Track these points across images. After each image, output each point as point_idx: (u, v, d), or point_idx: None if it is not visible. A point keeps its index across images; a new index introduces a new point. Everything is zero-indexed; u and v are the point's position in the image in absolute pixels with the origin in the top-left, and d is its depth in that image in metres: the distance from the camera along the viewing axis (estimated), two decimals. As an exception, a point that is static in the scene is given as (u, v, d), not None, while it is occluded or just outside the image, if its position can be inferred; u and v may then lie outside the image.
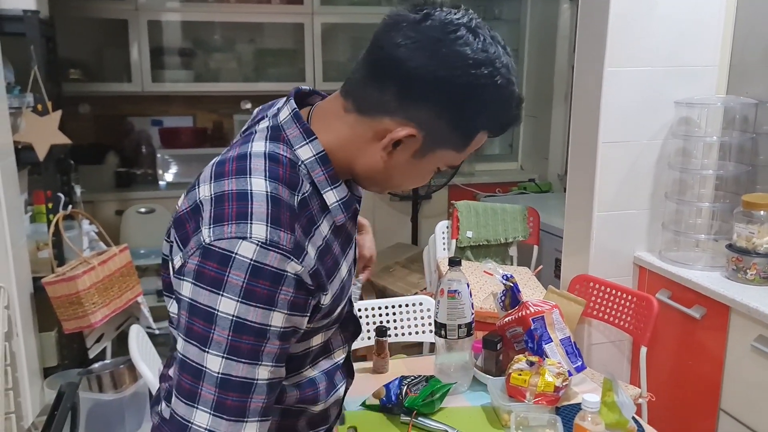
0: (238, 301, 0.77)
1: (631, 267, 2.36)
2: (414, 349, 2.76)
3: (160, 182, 3.97)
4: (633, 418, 1.29)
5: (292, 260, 0.79)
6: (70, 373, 2.23)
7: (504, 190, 4.16)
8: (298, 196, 0.84)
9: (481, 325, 1.68)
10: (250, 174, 0.82)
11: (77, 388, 1.70)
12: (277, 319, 0.80)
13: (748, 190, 2.13)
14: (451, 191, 4.08)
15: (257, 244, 0.77)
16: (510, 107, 0.88)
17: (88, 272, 2.18)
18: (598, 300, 2.30)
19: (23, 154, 2.24)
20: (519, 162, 4.66)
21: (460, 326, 1.53)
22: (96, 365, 2.29)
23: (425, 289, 3.12)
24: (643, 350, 2.10)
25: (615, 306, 2.25)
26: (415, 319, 2.20)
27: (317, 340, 0.97)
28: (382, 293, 3.46)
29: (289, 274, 0.79)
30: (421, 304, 2.20)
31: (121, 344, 2.58)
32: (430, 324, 2.18)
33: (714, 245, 2.23)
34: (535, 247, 3.11)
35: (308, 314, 0.85)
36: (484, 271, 1.63)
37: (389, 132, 0.86)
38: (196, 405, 0.79)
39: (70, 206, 2.44)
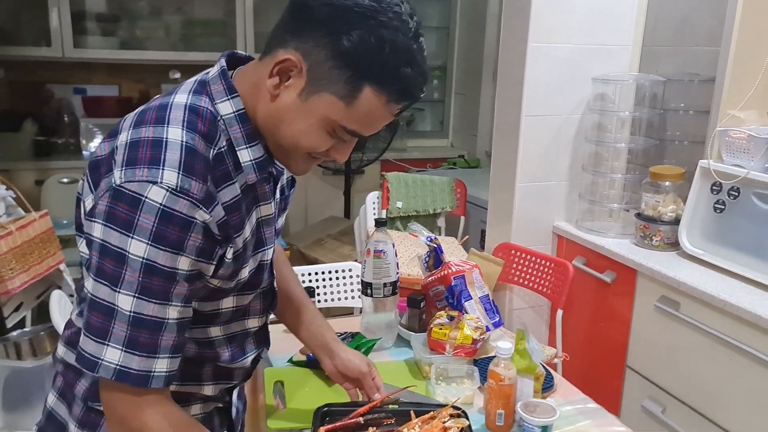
0: (148, 244, 0.79)
1: (550, 235, 2.49)
2: (342, 314, 2.81)
3: (84, 152, 3.84)
4: (542, 365, 1.38)
5: (201, 209, 0.82)
6: (-12, 343, 2.15)
7: (434, 165, 4.25)
8: (214, 150, 0.86)
9: (405, 292, 1.75)
10: (168, 123, 0.84)
11: (-5, 353, 1.65)
12: (185, 263, 0.83)
13: (656, 163, 2.29)
14: (383, 166, 4.13)
15: (167, 190, 0.79)
16: (400, 61, 0.82)
17: (5, 237, 2.10)
18: (520, 266, 2.41)
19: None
20: (449, 139, 4.77)
21: (385, 285, 1.59)
22: (14, 333, 2.22)
23: (356, 260, 3.17)
24: (559, 313, 2.23)
25: (534, 272, 2.37)
26: (344, 285, 2.26)
27: (227, 303, 0.98)
28: (312, 263, 3.49)
29: (197, 221, 0.82)
30: (350, 270, 2.25)
31: (41, 314, 2.51)
32: (359, 290, 2.24)
33: (625, 215, 2.38)
34: (462, 218, 3.22)
35: (214, 263, 0.88)
36: (410, 233, 1.69)
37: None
38: (107, 342, 0.81)
39: (-14, 170, 2.34)
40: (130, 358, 0.82)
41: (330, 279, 2.24)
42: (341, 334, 1.58)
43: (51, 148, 3.79)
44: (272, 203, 0.99)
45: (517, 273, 2.41)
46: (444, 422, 1.15)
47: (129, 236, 0.79)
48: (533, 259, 2.38)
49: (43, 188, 3.52)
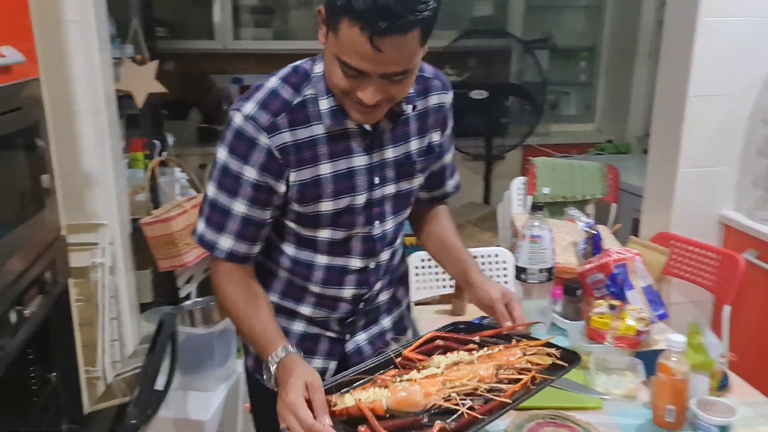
0: (226, 152, 1.08)
1: (715, 226, 2.30)
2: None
3: (240, 138, 4.10)
4: (720, 361, 1.29)
5: (264, 134, 1.06)
6: (164, 309, 2.38)
7: (580, 151, 4.08)
8: (299, 97, 1.08)
9: (558, 280, 1.71)
10: (273, 75, 1.11)
11: (175, 318, 1.83)
12: (250, 173, 1.08)
13: None
14: (525, 152, 4.03)
15: (243, 116, 1.06)
16: None
17: (182, 215, 2.32)
18: (680, 258, 2.25)
19: (121, 102, 2.38)
20: (596, 123, 4.55)
21: (541, 270, 1.56)
22: (188, 302, 2.44)
23: (498, 245, 3.13)
24: (727, 309, 2.06)
25: (697, 264, 2.21)
26: (491, 270, 2.24)
27: (323, 234, 1.17)
28: (453, 250, 3.49)
29: (260, 143, 1.06)
30: (497, 255, 2.23)
31: (205, 287, 2.74)
32: (505, 276, 2.21)
33: (807, 204, 2.15)
34: (614, 205, 3.06)
35: (283, 182, 1.10)
36: (567, 219, 1.64)
37: None
38: (199, 217, 1.15)
39: (165, 153, 2.58)
40: (205, 230, 1.13)
41: (478, 264, 2.23)
42: (493, 319, 1.57)
43: (213, 134, 4.09)
44: (366, 157, 1.13)
45: (677, 265, 2.26)
46: (526, 353, 1.05)
47: (219, 145, 1.09)
48: (696, 250, 2.22)
49: (207, 171, 3.81)
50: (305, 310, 1.23)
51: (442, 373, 1.01)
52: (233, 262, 1.13)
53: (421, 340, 1.15)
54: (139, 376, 1.64)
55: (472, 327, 1.26)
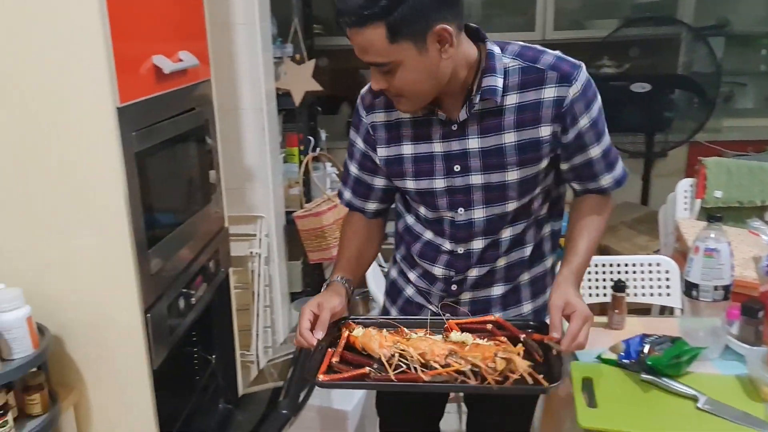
0: (350, 125, 1.33)
1: None
2: (638, 311, 2.60)
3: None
4: None
5: (363, 110, 1.27)
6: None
7: (757, 149, 3.65)
8: None
9: (734, 296, 1.53)
10: None
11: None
12: (359, 142, 1.30)
13: None
14: (692, 149, 3.70)
15: (360, 95, 1.28)
16: None
17: (332, 209, 2.38)
18: None
19: (280, 100, 2.49)
20: (777, 118, 4.06)
21: (716, 288, 1.41)
22: (334, 294, 2.51)
23: (657, 251, 2.90)
24: None
25: None
26: (650, 280, 2.07)
27: (421, 211, 1.29)
28: (604, 252, 3.30)
29: (363, 119, 1.27)
30: (658, 265, 2.06)
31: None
32: (667, 288, 2.04)
33: None
34: (799, 214, 2.71)
35: (376, 155, 1.26)
36: (750, 231, 1.46)
37: None
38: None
39: (318, 149, 2.67)
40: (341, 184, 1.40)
41: (635, 272, 2.08)
42: (658, 337, 1.44)
43: (361, 128, 4.18)
44: (445, 144, 1.21)
45: None
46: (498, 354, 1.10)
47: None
48: None
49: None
50: (412, 276, 1.37)
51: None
52: (351, 209, 1.38)
53: (476, 319, 1.24)
54: (291, 363, 1.71)
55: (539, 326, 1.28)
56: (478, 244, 1.27)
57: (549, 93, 1.16)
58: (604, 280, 2.07)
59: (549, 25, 3.85)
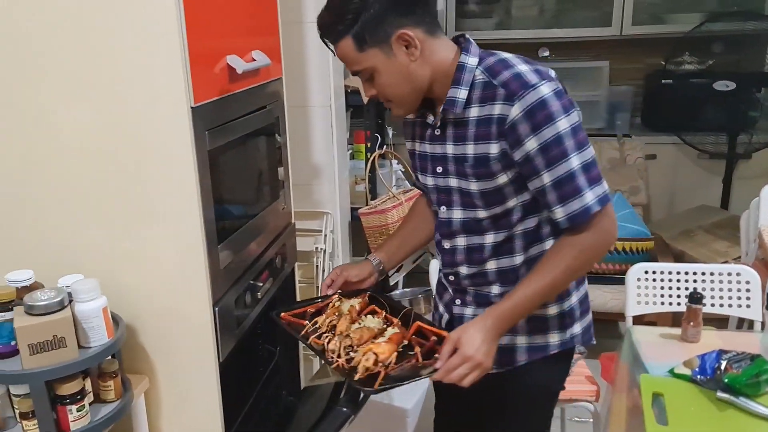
0: None
1: None
2: (713, 321, 2.48)
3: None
4: None
5: None
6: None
7: None
8: None
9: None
10: None
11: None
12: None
13: None
14: (778, 151, 3.49)
15: None
16: None
17: (396, 207, 2.38)
18: None
19: (349, 97, 2.50)
20: None
21: (803, 304, 1.32)
22: (397, 291, 2.51)
23: (738, 258, 2.75)
24: None
25: None
26: (729, 290, 1.97)
27: (427, 186, 1.36)
28: (678, 258, 3.16)
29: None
30: (738, 274, 1.95)
31: (412, 277, 2.80)
32: (747, 300, 1.93)
33: None
34: None
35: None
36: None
37: None
38: None
39: (385, 146, 2.67)
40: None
41: (713, 282, 1.98)
42: (736, 354, 1.37)
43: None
44: (430, 145, 1.30)
45: None
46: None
47: None
48: None
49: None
50: (438, 261, 1.44)
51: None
52: (418, 189, 1.55)
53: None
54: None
55: None
56: (461, 242, 1.33)
57: (496, 110, 1.17)
58: (679, 288, 1.99)
59: (627, 19, 3.71)
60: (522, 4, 3.98)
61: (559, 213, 1.18)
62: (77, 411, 1.20)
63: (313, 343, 1.32)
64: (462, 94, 1.20)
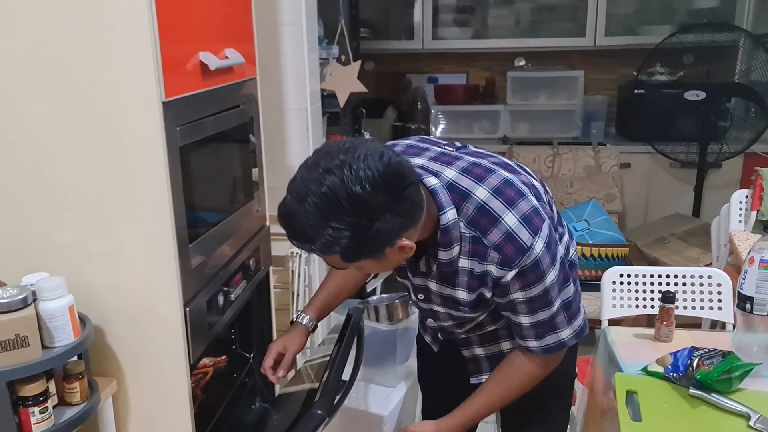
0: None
1: None
2: (687, 326, 2.50)
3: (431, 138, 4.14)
4: None
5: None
6: (351, 302, 2.46)
7: (821, 161, 3.50)
8: None
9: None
10: None
11: (363, 313, 1.86)
12: None
13: None
14: (748, 160, 3.57)
15: None
16: None
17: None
18: None
19: (324, 101, 2.50)
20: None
21: (773, 301, 1.34)
22: (373, 297, 2.49)
23: (710, 264, 2.79)
24: None
25: None
26: (701, 293, 1.99)
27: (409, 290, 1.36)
28: (653, 265, 3.19)
29: None
30: (710, 277, 1.97)
31: (389, 283, 2.78)
32: (719, 302, 1.95)
33: None
34: None
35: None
36: (810, 243, 1.38)
37: None
38: None
39: (361, 151, 2.66)
40: None
41: (685, 285, 1.99)
42: (708, 351, 1.38)
43: (405, 132, 4.17)
44: (412, 277, 1.30)
45: None
46: None
47: None
48: None
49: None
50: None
51: None
52: None
53: None
54: (327, 364, 1.70)
55: None
56: (444, 320, 1.35)
57: (490, 268, 1.16)
58: (653, 291, 2.00)
59: (600, 30, 3.77)
60: (498, 15, 4.04)
61: (533, 344, 1.24)
62: (40, 413, 1.17)
63: None
64: (455, 251, 1.17)
